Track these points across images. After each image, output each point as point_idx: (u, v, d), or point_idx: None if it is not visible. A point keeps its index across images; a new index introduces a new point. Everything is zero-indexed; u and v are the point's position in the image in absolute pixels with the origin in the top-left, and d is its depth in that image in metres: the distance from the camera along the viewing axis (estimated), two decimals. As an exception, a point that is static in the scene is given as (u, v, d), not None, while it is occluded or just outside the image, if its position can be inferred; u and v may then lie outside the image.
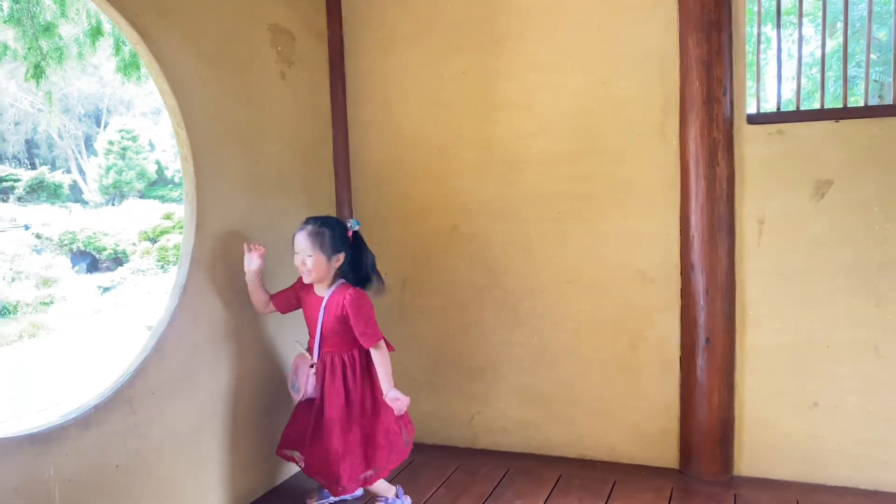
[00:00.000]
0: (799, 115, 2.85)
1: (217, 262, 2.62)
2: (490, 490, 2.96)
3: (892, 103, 2.77)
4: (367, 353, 2.65)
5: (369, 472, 2.65)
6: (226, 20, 2.74)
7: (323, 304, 2.61)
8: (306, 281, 2.64)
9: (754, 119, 2.88)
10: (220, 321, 2.65)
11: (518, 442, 3.37)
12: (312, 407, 2.67)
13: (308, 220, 2.62)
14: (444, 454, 3.37)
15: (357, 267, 2.68)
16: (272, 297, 2.73)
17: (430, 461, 3.28)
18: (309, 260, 2.56)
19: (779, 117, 2.87)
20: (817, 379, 2.88)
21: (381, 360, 2.60)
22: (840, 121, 2.77)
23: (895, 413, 2.79)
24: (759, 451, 2.99)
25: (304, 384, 2.64)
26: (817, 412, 2.89)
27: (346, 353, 2.64)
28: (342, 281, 2.64)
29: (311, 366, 2.65)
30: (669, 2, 2.92)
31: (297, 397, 2.70)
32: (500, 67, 3.22)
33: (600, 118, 3.08)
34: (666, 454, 3.13)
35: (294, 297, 2.74)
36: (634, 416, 3.16)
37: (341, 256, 2.61)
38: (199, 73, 2.58)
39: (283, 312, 2.78)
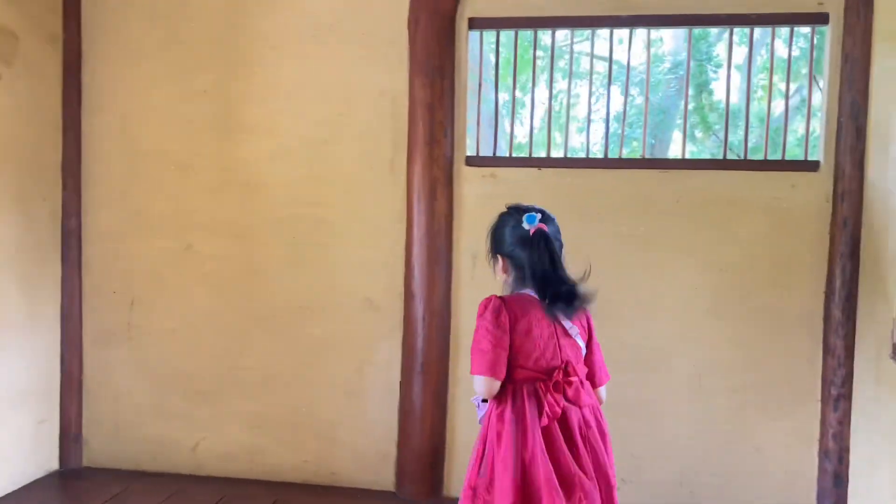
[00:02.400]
0: (509, 161, 3.12)
1: None
2: (197, 517, 2.87)
3: (585, 157, 3.10)
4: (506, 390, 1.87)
5: None
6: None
7: None
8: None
9: (472, 161, 3.12)
10: None
11: (243, 468, 3.31)
12: None
13: None
14: (160, 481, 3.23)
15: (534, 272, 1.92)
16: None
17: (141, 489, 3.13)
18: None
19: (493, 161, 3.12)
20: (518, 404, 3.10)
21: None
22: (542, 169, 3.06)
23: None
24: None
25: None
26: (517, 435, 3.11)
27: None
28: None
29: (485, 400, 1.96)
30: (401, 44, 3.09)
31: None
32: (243, 89, 3.24)
33: (337, 148, 3.18)
34: (384, 477, 3.21)
35: None
36: (358, 440, 3.23)
37: (500, 259, 2.01)
38: None
39: None
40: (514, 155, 3.20)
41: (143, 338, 3.35)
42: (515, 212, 1.96)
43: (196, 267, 3.30)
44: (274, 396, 3.27)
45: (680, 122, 9.81)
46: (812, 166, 2.89)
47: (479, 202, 3.11)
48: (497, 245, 1.98)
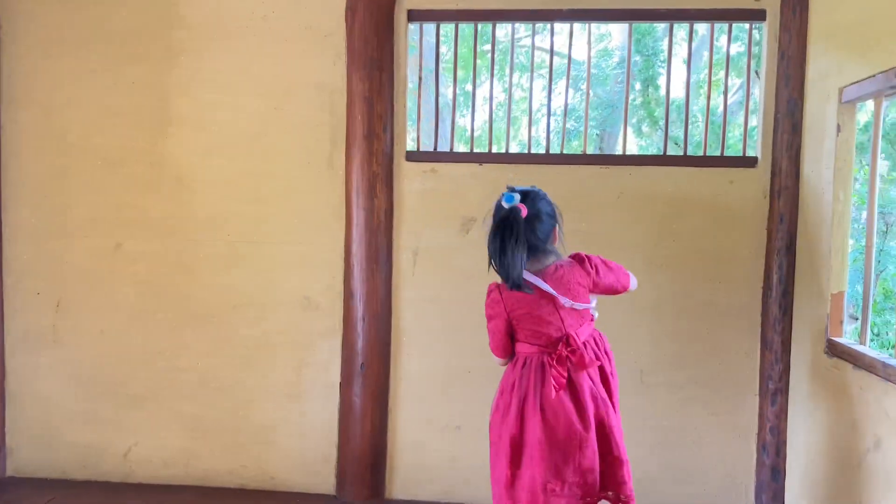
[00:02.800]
0: (450, 157, 3.06)
1: None
2: (126, 527, 2.75)
3: (527, 152, 3.07)
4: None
5: None
6: None
7: None
8: None
9: (412, 156, 3.05)
10: None
11: (177, 474, 3.20)
12: None
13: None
14: (89, 490, 3.10)
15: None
16: None
17: (68, 499, 3.00)
18: None
19: (433, 156, 3.06)
20: (461, 403, 3.06)
21: None
22: (483, 164, 3.02)
23: (524, 434, 3.03)
24: (409, 474, 3.10)
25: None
26: (460, 435, 3.07)
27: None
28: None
29: None
30: (338, 36, 3.01)
31: None
32: (175, 82, 3.11)
33: (274, 143, 3.09)
34: (324, 480, 3.14)
35: None
36: (296, 444, 3.14)
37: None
38: None
39: None
40: (456, 150, 3.13)
41: (71, 340, 3.21)
42: (505, 193, 2.04)
43: (126, 266, 3.17)
44: (210, 399, 3.17)
45: (631, 115, 9.92)
46: (750, 162, 2.90)
47: (419, 198, 3.06)
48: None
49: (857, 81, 2.34)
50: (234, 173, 3.10)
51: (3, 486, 3.16)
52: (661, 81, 8.54)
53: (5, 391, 3.24)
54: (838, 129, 2.50)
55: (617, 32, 9.90)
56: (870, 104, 2.53)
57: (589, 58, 3.12)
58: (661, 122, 8.36)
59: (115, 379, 3.20)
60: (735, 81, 7.10)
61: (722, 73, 3.17)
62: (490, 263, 1.99)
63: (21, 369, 3.23)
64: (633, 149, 8.97)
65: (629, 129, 10.29)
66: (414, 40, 3.10)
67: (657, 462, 2.98)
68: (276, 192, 3.09)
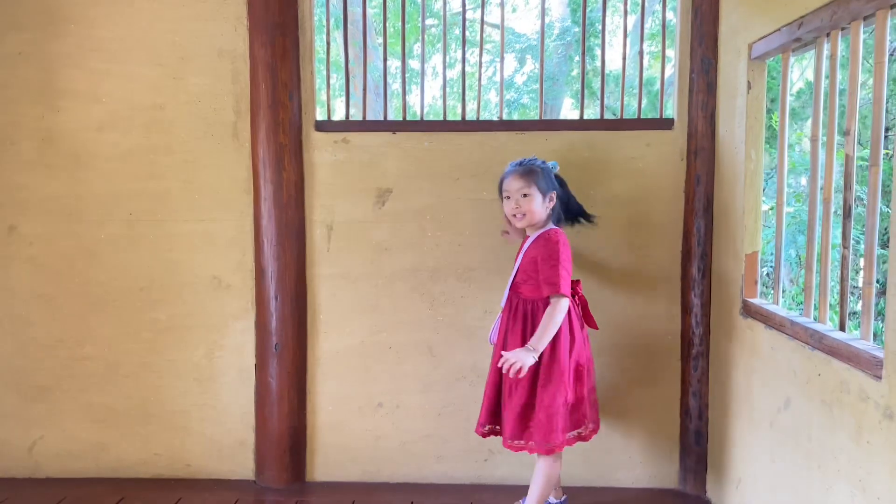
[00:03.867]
0: (363, 125, 2.93)
1: None
2: (26, 525, 2.60)
3: (442, 119, 2.96)
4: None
5: (518, 443, 2.38)
6: None
7: (525, 245, 2.43)
8: (519, 225, 2.43)
9: (322, 126, 2.92)
10: None
11: (88, 466, 3.05)
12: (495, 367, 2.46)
13: (515, 163, 2.45)
14: (-9, 488, 2.93)
15: (568, 207, 2.54)
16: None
17: (-33, 498, 2.82)
18: (524, 201, 2.36)
19: (344, 126, 2.93)
20: (382, 380, 2.98)
21: (550, 315, 2.28)
22: (397, 133, 2.90)
23: (447, 409, 2.96)
24: (330, 456, 3.01)
25: (493, 329, 2.52)
26: (381, 412, 2.99)
27: (531, 301, 2.38)
28: (552, 226, 2.44)
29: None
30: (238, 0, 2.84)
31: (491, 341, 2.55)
32: (63, 51, 2.91)
33: (173, 115, 2.92)
34: (242, 466, 3.02)
35: None
36: (211, 429, 3.02)
37: (554, 195, 2.43)
38: None
39: None
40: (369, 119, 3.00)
41: (-35, 331, 3.01)
42: (542, 162, 2.46)
43: (21, 250, 2.98)
44: (118, 387, 3.01)
45: (568, 87, 9.87)
46: (666, 124, 2.85)
47: (331, 170, 2.93)
48: (551, 185, 2.43)
49: (765, 36, 2.29)
50: (132, 148, 2.93)
51: None
52: (599, 52, 8.49)
53: None
54: (749, 86, 2.45)
55: (556, 4, 9.83)
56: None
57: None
58: (599, 94, 8.36)
59: (16, 370, 3.02)
60: (643, 43, 7.06)
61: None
62: (581, 213, 2.59)
63: (-89, 364, 3.02)
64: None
65: (569, 102, 10.28)
66: (323, 3, 2.95)
67: (581, 431, 2.93)
68: (178, 166, 2.93)
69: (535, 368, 2.30)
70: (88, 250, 2.97)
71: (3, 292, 2.99)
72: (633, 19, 7.25)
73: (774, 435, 2.20)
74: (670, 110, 2.94)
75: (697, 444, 2.88)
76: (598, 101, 7.49)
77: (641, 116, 2.92)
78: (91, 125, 2.93)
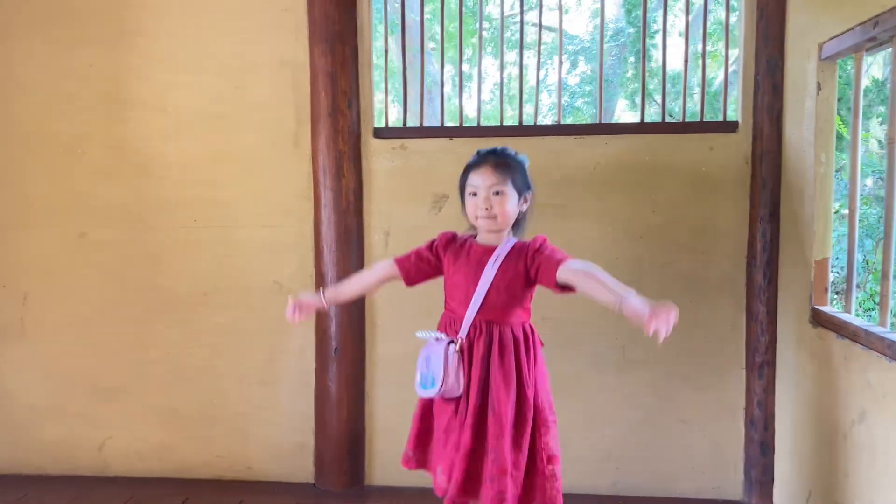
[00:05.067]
0: (420, 132, 2.94)
1: None
2: (97, 522, 2.69)
3: (499, 125, 2.95)
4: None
5: None
6: None
7: (494, 258, 1.90)
8: (488, 229, 1.94)
9: (380, 133, 2.94)
10: None
11: (153, 467, 3.13)
12: (457, 404, 1.92)
13: (485, 152, 1.96)
14: (64, 485, 3.04)
15: (525, 215, 2.05)
16: (398, 263, 2.06)
17: (42, 494, 2.94)
18: (497, 200, 1.90)
19: (402, 132, 2.94)
20: (439, 386, 2.97)
21: (591, 267, 1.82)
22: (454, 138, 2.90)
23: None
24: (388, 460, 3.02)
25: (446, 372, 1.84)
26: (439, 418, 2.98)
27: (509, 326, 1.93)
28: (515, 238, 1.99)
29: (452, 342, 1.89)
30: (299, 9, 2.89)
31: (433, 394, 1.91)
32: (131, 64, 3.00)
33: (235, 123, 2.98)
34: (302, 469, 3.06)
35: (433, 261, 2.02)
36: (272, 432, 3.07)
37: (529, 197, 2.00)
38: None
39: (410, 285, 2.07)
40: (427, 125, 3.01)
41: (39, 334, 3.13)
42: (517, 154, 2.04)
43: (91, 255, 3.08)
44: (182, 390, 3.09)
45: (623, 89, 9.75)
46: (730, 127, 2.78)
47: (389, 176, 2.95)
48: (527, 184, 2.01)
49: (836, 36, 2.22)
50: (195, 156, 3.00)
51: (-23, 484, 3.10)
52: (655, 54, 8.37)
53: (-25, 388, 3.16)
54: (818, 87, 2.37)
55: (610, 5, 9.71)
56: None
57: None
58: (654, 97, 8.20)
59: (86, 372, 3.12)
60: (706, 45, 6.90)
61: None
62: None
63: (-11, 365, 3.16)
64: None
65: (624, 103, 10.15)
66: (378, 10, 2.97)
67: (640, 441, 2.89)
68: (240, 173, 2.99)
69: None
70: (154, 256, 3.05)
71: (75, 297, 3.10)
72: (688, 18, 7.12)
73: (848, 449, 2.13)
74: (732, 113, 2.86)
75: (763, 456, 2.80)
76: (653, 105, 7.37)
77: (703, 119, 2.86)
78: (157, 134, 3.01)
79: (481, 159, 1.95)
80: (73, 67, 3.02)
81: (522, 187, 1.97)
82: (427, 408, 2.06)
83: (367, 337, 3.00)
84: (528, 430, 1.87)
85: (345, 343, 2.93)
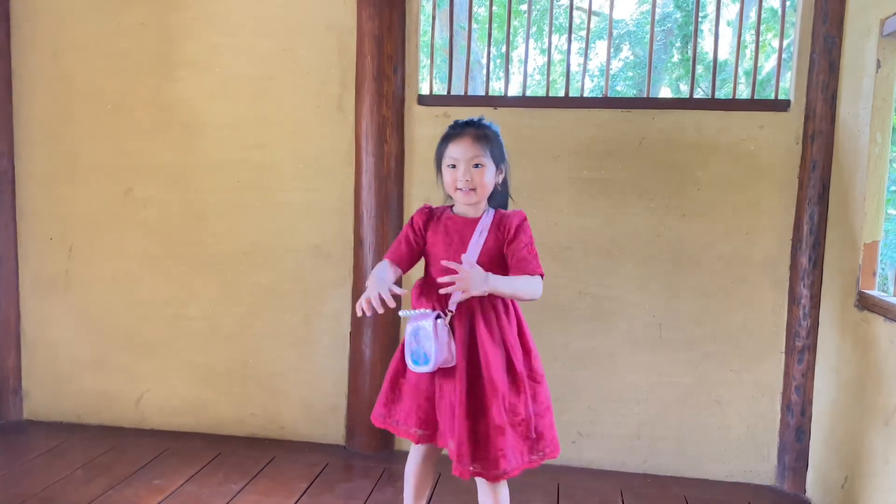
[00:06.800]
0: (464, 100, 2.93)
1: None
2: (133, 471, 2.76)
3: (545, 96, 2.92)
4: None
5: (533, 457, 1.88)
6: None
7: (479, 229, 1.89)
8: (466, 202, 1.91)
9: (424, 100, 2.93)
10: None
11: (188, 422, 3.19)
12: (445, 376, 1.88)
13: (463, 122, 1.94)
14: (102, 434, 3.12)
15: (506, 186, 2.01)
16: (391, 262, 2.01)
17: (81, 442, 3.02)
18: (477, 171, 1.86)
19: (446, 100, 2.93)
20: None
21: (528, 282, 1.83)
22: (498, 108, 2.88)
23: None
24: (418, 427, 3.03)
25: (438, 347, 1.80)
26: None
27: (497, 297, 1.87)
28: (493, 208, 1.96)
29: (439, 316, 1.84)
30: (348, -27, 2.88)
31: (429, 370, 1.84)
32: (181, 23, 3.03)
33: (281, 85, 2.99)
34: (334, 431, 3.10)
35: (420, 241, 2.00)
36: (306, 393, 3.11)
37: (504, 169, 1.96)
38: None
39: (406, 271, 2.06)
40: (469, 94, 3.00)
41: (83, 287, 3.20)
42: (492, 124, 1.99)
43: (136, 212, 3.14)
44: (219, 348, 3.14)
45: (668, 74, 9.59)
46: (782, 106, 2.72)
47: (431, 144, 2.90)
48: (502, 156, 1.97)
49: (900, 10, 2.15)
50: (242, 117, 3.03)
51: (21, 427, 3.19)
52: (700, 41, 8.22)
53: (21, 336, 3.25)
54: (878, 65, 2.31)
55: (657, -12, 9.54)
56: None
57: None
58: (700, 84, 8.05)
59: (127, 326, 3.19)
60: (760, 20, 6.73)
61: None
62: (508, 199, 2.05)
63: (35, 314, 3.24)
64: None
65: (667, 91, 9.98)
66: (427, -22, 2.96)
67: (674, 421, 2.87)
68: (284, 136, 3.01)
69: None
70: (197, 214, 3.10)
71: (118, 252, 3.16)
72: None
73: (891, 434, 2.08)
74: (784, 93, 2.80)
75: (798, 442, 2.76)
76: (701, 90, 7.24)
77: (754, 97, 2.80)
78: (204, 95, 3.04)
79: (461, 130, 1.92)
80: (124, 26, 3.06)
81: (499, 159, 1.94)
82: (398, 368, 2.02)
83: (402, 304, 3.00)
84: (523, 386, 1.87)
85: (380, 308, 2.94)
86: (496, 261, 1.89)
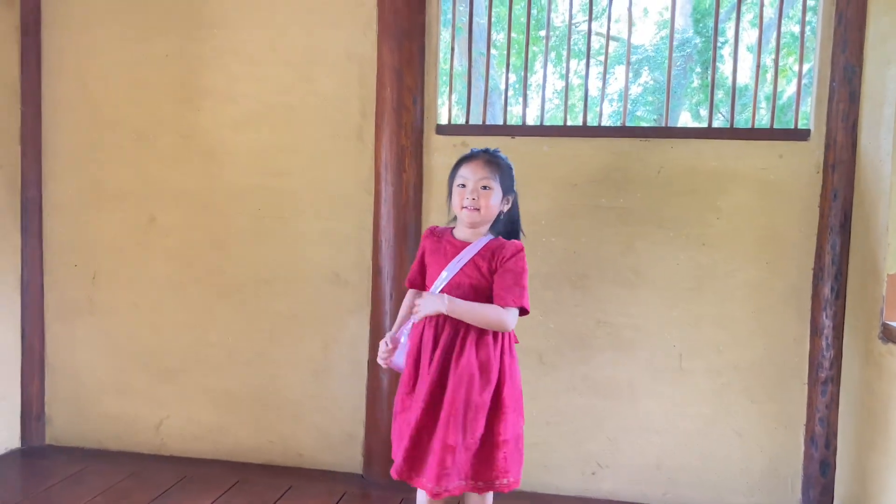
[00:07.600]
0: (482, 129, 2.95)
1: None
2: (152, 497, 2.77)
3: (562, 125, 2.94)
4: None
5: (480, 483, 1.95)
6: None
7: (467, 250, 1.99)
8: (470, 221, 1.99)
9: (443, 130, 2.96)
10: None
11: (207, 448, 3.20)
12: (414, 385, 2.02)
13: (477, 150, 2.07)
14: (122, 460, 3.14)
15: (514, 220, 2.11)
16: (411, 287, 2.21)
17: (101, 468, 3.03)
18: (484, 193, 1.97)
19: (464, 129, 2.96)
20: (490, 384, 2.96)
21: (496, 311, 1.92)
22: (516, 137, 2.90)
23: (556, 419, 2.92)
24: (436, 455, 3.02)
25: (401, 348, 2.09)
26: (489, 416, 2.97)
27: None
28: (493, 235, 2.05)
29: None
30: (370, 5, 2.93)
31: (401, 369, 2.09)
32: (205, 54, 3.09)
33: (302, 116, 3.04)
34: (351, 459, 3.09)
35: (425, 262, 2.14)
36: (324, 421, 3.11)
37: (511, 199, 2.08)
38: None
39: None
40: (487, 123, 3.02)
41: (106, 312, 3.24)
42: (507, 159, 2.14)
43: (159, 239, 3.18)
44: (238, 374, 3.16)
45: (688, 99, 9.58)
46: (802, 135, 2.71)
47: (448, 173, 2.95)
48: (511, 187, 2.10)
49: (921, 41, 2.14)
50: (263, 146, 3.07)
51: (43, 453, 3.22)
52: (720, 66, 8.22)
53: (45, 361, 3.30)
54: (899, 94, 2.29)
55: (677, 16, 9.57)
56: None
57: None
58: (720, 109, 8.04)
59: (148, 351, 3.22)
60: (779, 52, 6.71)
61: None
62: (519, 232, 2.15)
63: (59, 340, 3.29)
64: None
65: (687, 115, 9.97)
66: (446, 8, 3.00)
67: (695, 452, 2.83)
68: (305, 165, 3.04)
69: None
70: (218, 242, 3.14)
71: (142, 278, 3.20)
72: (761, 28, 6.97)
73: (917, 470, 2.04)
74: (804, 122, 2.79)
75: (823, 475, 2.71)
76: (720, 116, 7.23)
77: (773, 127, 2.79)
78: (227, 123, 3.09)
79: (474, 154, 2.06)
80: (149, 57, 3.13)
81: (508, 188, 2.05)
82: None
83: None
84: (484, 415, 1.92)
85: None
86: (480, 284, 1.97)
